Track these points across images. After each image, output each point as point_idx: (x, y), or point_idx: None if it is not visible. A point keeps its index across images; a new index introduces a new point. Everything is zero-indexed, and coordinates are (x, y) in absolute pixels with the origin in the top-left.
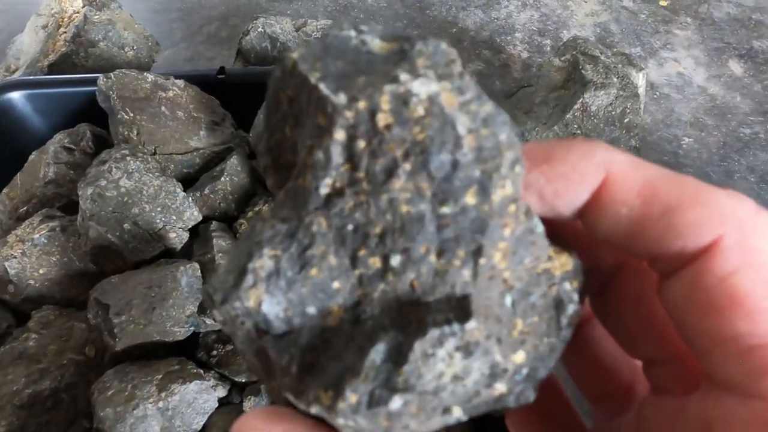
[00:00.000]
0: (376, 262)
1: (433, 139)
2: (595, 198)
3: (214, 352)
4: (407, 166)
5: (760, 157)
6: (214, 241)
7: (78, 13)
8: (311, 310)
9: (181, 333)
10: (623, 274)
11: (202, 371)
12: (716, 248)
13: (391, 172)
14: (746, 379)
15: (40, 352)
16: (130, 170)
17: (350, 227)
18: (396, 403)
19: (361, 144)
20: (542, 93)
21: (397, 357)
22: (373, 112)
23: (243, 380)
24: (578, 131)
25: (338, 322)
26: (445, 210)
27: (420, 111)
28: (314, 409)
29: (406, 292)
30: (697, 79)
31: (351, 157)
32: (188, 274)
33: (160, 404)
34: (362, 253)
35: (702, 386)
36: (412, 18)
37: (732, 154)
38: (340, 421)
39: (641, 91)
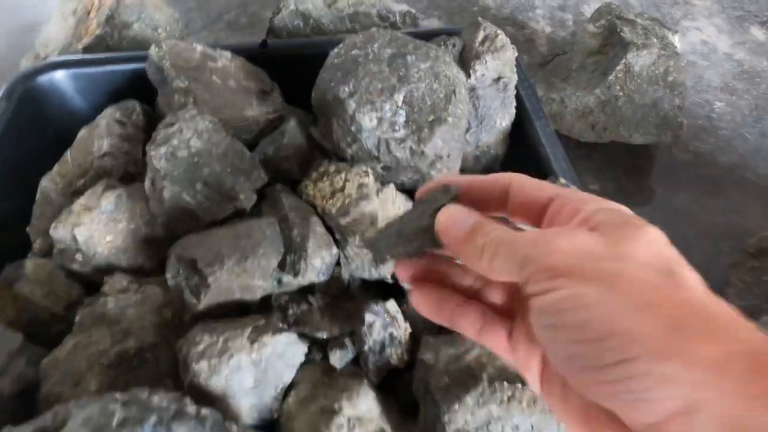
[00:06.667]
0: None
1: None
2: None
3: (290, 312)
4: None
5: None
6: (284, 200)
7: None
8: None
9: (263, 288)
10: None
11: (286, 326)
12: None
13: None
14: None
15: (120, 314)
16: (200, 130)
17: None
18: None
19: None
20: (579, 59)
21: None
22: None
23: (324, 336)
24: (620, 92)
25: None
26: None
27: None
28: None
29: None
30: (721, 46)
31: None
32: (271, 228)
33: (254, 355)
34: None
35: None
36: None
37: (765, 115)
38: None
39: (678, 51)
